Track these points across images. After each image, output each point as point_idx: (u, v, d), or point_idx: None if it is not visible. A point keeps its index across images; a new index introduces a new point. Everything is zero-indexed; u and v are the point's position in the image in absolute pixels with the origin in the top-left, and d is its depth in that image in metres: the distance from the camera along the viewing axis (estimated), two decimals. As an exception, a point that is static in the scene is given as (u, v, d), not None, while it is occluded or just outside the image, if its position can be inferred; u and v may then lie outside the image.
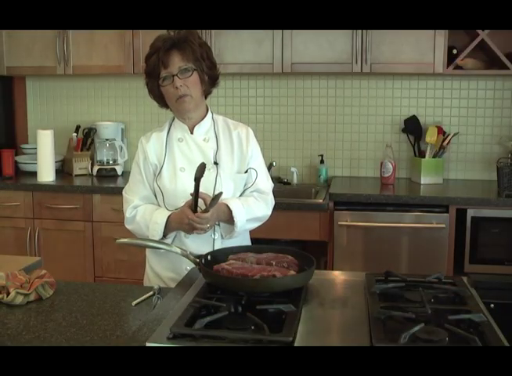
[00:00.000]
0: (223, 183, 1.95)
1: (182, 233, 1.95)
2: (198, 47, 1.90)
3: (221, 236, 1.99)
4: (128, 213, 2.00)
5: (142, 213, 1.97)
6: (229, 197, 1.96)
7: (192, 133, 2.00)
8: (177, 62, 1.88)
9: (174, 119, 2.05)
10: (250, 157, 2.03)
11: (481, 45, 3.29)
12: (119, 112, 4.02)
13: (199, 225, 1.83)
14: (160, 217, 1.91)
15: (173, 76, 1.88)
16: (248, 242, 2.13)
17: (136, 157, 2.05)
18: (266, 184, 2.06)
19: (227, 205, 1.91)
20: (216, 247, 1.93)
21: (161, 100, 1.99)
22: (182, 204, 1.90)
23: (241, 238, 2.04)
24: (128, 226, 2.02)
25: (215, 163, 1.97)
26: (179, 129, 2.01)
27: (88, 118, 4.04)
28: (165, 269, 1.99)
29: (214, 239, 1.97)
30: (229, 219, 1.92)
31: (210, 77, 1.97)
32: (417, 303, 1.40)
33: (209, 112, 2.04)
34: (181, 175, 1.96)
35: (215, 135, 2.01)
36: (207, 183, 1.91)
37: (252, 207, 1.97)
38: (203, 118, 2.01)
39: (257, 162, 2.05)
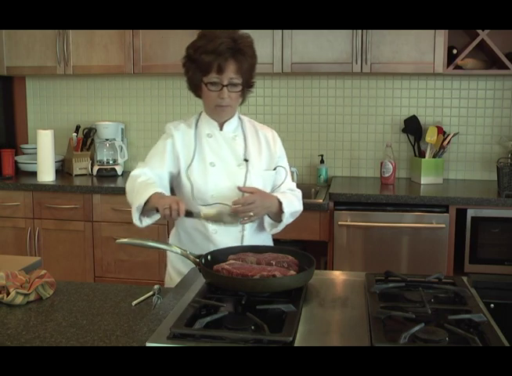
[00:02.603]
0: (252, 180, 1.98)
1: (210, 229, 1.95)
2: (250, 59, 1.93)
3: (261, 231, 2.02)
4: (134, 171, 1.96)
5: (141, 181, 1.89)
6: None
7: (221, 130, 2.02)
8: (230, 71, 1.88)
9: (200, 114, 2.05)
10: (279, 157, 2.09)
11: (481, 45, 3.30)
12: (119, 112, 4.02)
13: (247, 207, 1.84)
14: (148, 193, 1.82)
15: (222, 86, 1.89)
16: (271, 242, 2.13)
17: (162, 140, 2.01)
18: (293, 183, 2.13)
19: (277, 198, 1.95)
20: (245, 243, 1.96)
21: (196, 89, 1.98)
22: (211, 199, 1.93)
23: (264, 237, 2.07)
24: (127, 184, 1.96)
25: (245, 160, 1.99)
26: (207, 125, 2.02)
27: (88, 118, 4.04)
28: (188, 267, 1.95)
29: (243, 235, 1.98)
30: (277, 212, 1.95)
31: (248, 87, 2.00)
32: (417, 303, 1.40)
33: (236, 111, 2.06)
34: (211, 170, 1.96)
35: (243, 133, 2.04)
36: (237, 180, 1.96)
37: (293, 202, 2.02)
38: (231, 117, 2.03)
39: (285, 162, 2.11)
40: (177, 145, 1.98)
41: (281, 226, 2.01)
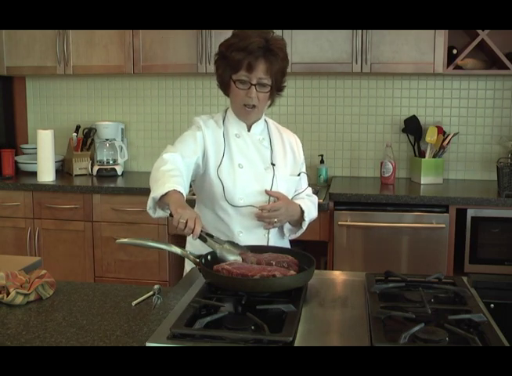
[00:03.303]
0: (279, 185, 1.98)
1: (236, 230, 1.93)
2: (281, 61, 1.91)
3: (281, 235, 2.03)
4: (165, 154, 1.87)
5: (168, 169, 1.81)
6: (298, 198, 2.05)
7: (249, 131, 2.01)
8: (260, 71, 1.86)
9: (227, 112, 2.03)
10: (302, 163, 2.10)
11: (481, 45, 3.30)
12: (119, 112, 4.02)
13: (273, 214, 1.87)
14: (168, 187, 1.73)
15: (251, 85, 1.87)
16: (288, 245, 2.13)
17: (192, 130, 1.97)
18: (310, 188, 2.15)
19: (299, 205, 1.97)
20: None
21: (225, 87, 1.96)
22: (240, 201, 1.91)
23: (285, 241, 2.08)
24: (155, 164, 1.87)
25: (272, 164, 1.99)
26: (236, 124, 2.00)
27: (88, 118, 4.04)
28: None
29: (268, 237, 1.98)
30: (298, 219, 1.98)
31: (278, 90, 1.98)
32: (417, 303, 1.40)
33: (263, 113, 2.05)
34: (239, 172, 1.94)
35: (269, 135, 2.04)
36: (264, 183, 1.95)
37: (311, 209, 2.05)
38: (258, 119, 2.02)
39: (304, 168, 2.13)
40: (207, 141, 1.95)
41: (299, 233, 2.05)
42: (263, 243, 1.96)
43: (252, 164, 1.97)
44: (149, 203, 1.79)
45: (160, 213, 1.83)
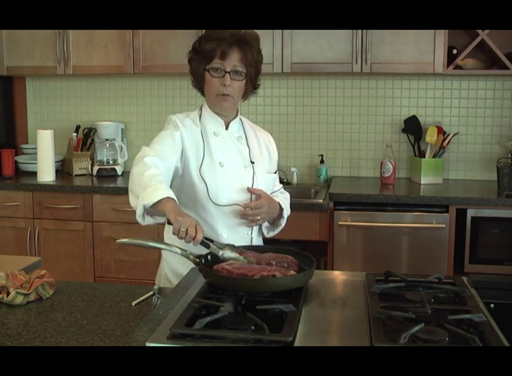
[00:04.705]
0: (259, 183, 1.97)
1: (220, 230, 1.91)
2: (256, 53, 1.90)
3: (263, 233, 2.04)
4: (147, 158, 1.78)
5: (154, 174, 1.73)
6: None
7: (226, 129, 1.99)
8: (234, 59, 1.85)
9: (202, 110, 2.01)
10: (276, 161, 2.12)
11: (481, 45, 3.30)
12: (119, 112, 4.02)
13: (256, 211, 1.88)
14: (160, 195, 1.67)
15: (225, 72, 1.86)
16: (262, 243, 2.13)
17: (169, 130, 1.93)
18: (281, 184, 2.17)
19: (278, 202, 1.98)
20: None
21: (200, 81, 1.94)
22: (224, 200, 1.89)
23: (261, 239, 2.10)
24: (134, 167, 1.80)
25: (252, 162, 1.99)
26: (213, 122, 1.98)
27: (88, 118, 4.04)
28: (187, 268, 1.80)
29: (251, 237, 1.98)
30: (277, 216, 2.00)
31: (254, 86, 1.98)
32: (417, 303, 1.40)
33: (238, 112, 2.04)
34: (221, 170, 1.92)
35: (244, 134, 2.03)
36: (245, 182, 1.94)
37: (287, 207, 2.05)
38: (235, 117, 2.02)
39: (277, 166, 2.15)
40: (185, 141, 1.91)
41: (278, 230, 2.05)
42: (247, 241, 1.96)
43: (232, 162, 1.96)
44: (139, 210, 1.69)
45: (149, 220, 1.78)
